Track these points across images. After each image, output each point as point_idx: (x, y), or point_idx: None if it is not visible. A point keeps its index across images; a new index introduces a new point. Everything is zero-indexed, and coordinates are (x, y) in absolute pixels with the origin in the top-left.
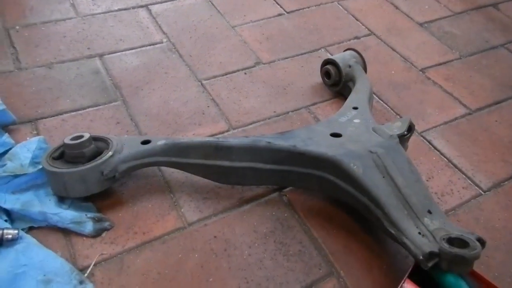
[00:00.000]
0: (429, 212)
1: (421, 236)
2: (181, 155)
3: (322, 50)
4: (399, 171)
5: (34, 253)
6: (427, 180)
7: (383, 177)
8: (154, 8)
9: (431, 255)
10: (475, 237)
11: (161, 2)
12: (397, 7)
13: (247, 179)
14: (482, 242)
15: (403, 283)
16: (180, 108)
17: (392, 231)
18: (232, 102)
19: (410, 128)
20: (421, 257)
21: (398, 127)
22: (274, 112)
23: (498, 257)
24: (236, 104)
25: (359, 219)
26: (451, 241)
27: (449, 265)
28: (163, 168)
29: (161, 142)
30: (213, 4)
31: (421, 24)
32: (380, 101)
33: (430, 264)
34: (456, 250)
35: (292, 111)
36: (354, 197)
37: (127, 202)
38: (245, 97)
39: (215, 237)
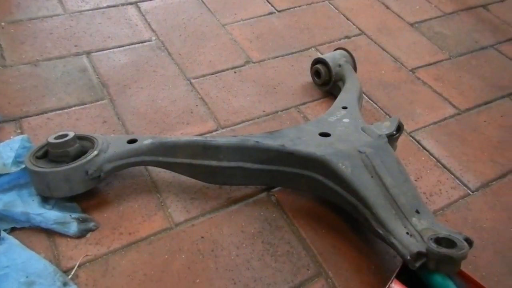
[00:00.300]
0: (417, 212)
1: (409, 236)
2: (168, 154)
3: (313, 49)
4: (388, 171)
5: (16, 254)
6: (415, 180)
7: (372, 177)
8: (144, 6)
9: (418, 255)
10: (462, 237)
11: (150, 0)
12: (388, 7)
13: (235, 179)
14: (469, 242)
15: (391, 283)
16: (168, 107)
17: (380, 231)
18: (221, 101)
19: (399, 128)
20: (408, 257)
21: (387, 126)
22: (264, 111)
23: (485, 257)
24: (225, 103)
25: (347, 219)
26: (439, 241)
27: (437, 265)
28: (150, 167)
29: (147, 141)
30: (203, 2)
31: (412, 24)
32: (370, 100)
33: (417, 264)
34: (443, 250)
35: (282, 111)
36: (342, 197)
37: (113, 202)
38: (234, 96)
39: (202, 237)
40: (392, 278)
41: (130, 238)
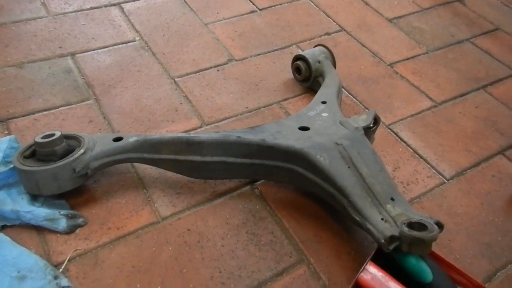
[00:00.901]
0: (392, 199)
1: (384, 222)
2: (152, 151)
3: (294, 46)
4: (364, 162)
5: (7, 250)
6: (393, 170)
7: (348, 167)
8: (127, 6)
9: (392, 238)
10: (433, 221)
11: (133, 0)
12: (367, 3)
13: (218, 173)
14: (440, 225)
15: (366, 265)
16: (153, 105)
17: (357, 218)
18: (204, 99)
19: (376, 121)
20: (382, 241)
21: (363, 119)
22: (246, 108)
23: (459, 240)
24: (208, 100)
25: (328, 209)
26: (411, 225)
27: (409, 247)
28: (136, 164)
29: (132, 139)
30: (186, 2)
31: (390, 20)
32: (349, 95)
33: (391, 247)
34: (415, 233)
35: (264, 107)
36: (321, 187)
37: (101, 199)
38: (217, 94)
39: (188, 230)
40: (367, 261)
41: (118, 232)
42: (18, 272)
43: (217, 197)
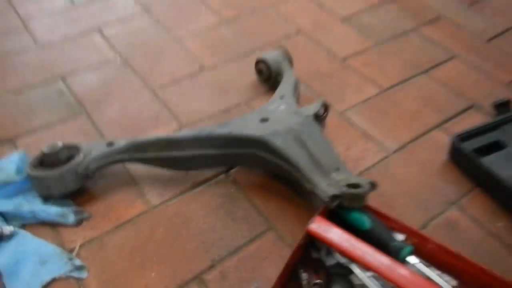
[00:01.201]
0: (338, 169)
1: (329, 186)
2: (140, 151)
3: (258, 51)
4: (313, 142)
5: (29, 242)
6: (346, 150)
7: (301, 148)
8: (107, 31)
9: (334, 196)
10: (368, 181)
11: (112, 25)
12: (321, 6)
13: (197, 164)
14: (373, 184)
15: (313, 218)
16: (137, 115)
17: (308, 186)
18: (181, 105)
19: (325, 108)
20: (327, 199)
21: (313, 108)
22: (218, 109)
23: (400, 200)
24: (185, 106)
25: (290, 188)
26: (350, 185)
27: (349, 202)
28: (128, 165)
29: (122, 143)
30: (158, 21)
31: (342, 19)
32: (307, 89)
33: (334, 203)
34: (351, 190)
35: (234, 107)
36: (280, 166)
37: (100, 197)
38: (192, 99)
39: (175, 213)
40: (315, 215)
41: (118, 221)
42: (40, 258)
43: (197, 186)
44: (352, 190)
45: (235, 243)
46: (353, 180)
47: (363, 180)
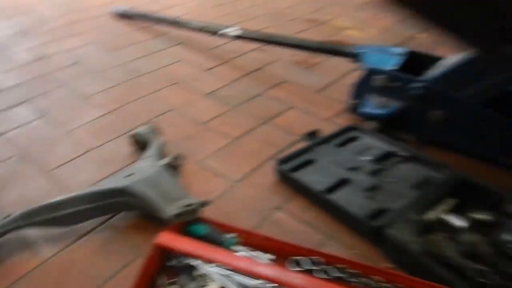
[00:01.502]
0: (183, 198)
1: (173, 209)
2: (31, 217)
3: (136, 129)
4: (165, 183)
5: None
6: (202, 187)
7: (154, 188)
8: (8, 134)
9: (175, 216)
10: (200, 200)
11: (12, 130)
12: (190, 88)
13: (80, 218)
14: (204, 203)
15: (160, 233)
16: (36, 198)
17: (159, 214)
18: (72, 179)
19: (176, 159)
20: (171, 217)
21: (167, 159)
22: (103, 176)
23: (239, 213)
24: (75, 179)
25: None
26: (187, 205)
27: (185, 216)
28: (22, 232)
29: (16, 214)
30: (54, 121)
31: (207, 94)
32: (176, 148)
33: (176, 220)
34: (186, 208)
35: (113, 172)
36: (141, 207)
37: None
38: (81, 173)
39: (66, 261)
40: (162, 231)
41: (15, 277)
42: None
43: (83, 236)
44: (186, 208)
45: (109, 274)
46: (188, 202)
47: (195, 200)
